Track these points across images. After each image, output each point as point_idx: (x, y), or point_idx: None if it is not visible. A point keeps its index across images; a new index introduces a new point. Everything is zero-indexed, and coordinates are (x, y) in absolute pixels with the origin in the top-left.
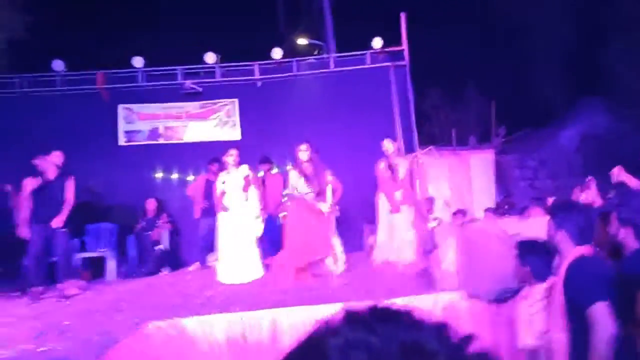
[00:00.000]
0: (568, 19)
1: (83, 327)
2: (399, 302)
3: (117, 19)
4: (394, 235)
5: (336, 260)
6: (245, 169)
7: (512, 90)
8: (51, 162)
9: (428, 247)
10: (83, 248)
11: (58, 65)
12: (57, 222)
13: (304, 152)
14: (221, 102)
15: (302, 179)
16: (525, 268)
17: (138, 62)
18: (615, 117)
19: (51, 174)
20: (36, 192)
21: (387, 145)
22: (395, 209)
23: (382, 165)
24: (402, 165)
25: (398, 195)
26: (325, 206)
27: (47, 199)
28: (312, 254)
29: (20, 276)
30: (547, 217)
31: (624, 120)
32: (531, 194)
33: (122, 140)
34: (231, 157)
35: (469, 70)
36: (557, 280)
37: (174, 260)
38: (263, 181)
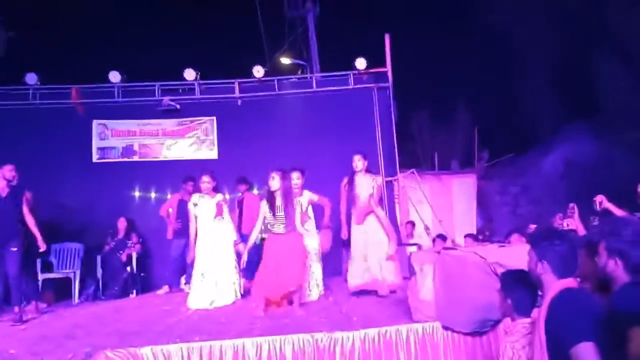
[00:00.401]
0: (555, 40)
1: (29, 357)
2: (371, 333)
3: (95, 34)
4: (369, 255)
5: (311, 287)
6: (219, 197)
7: (497, 114)
8: (1, 177)
9: (406, 274)
10: (48, 268)
11: (31, 78)
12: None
13: (274, 181)
14: (199, 119)
15: (271, 209)
16: (507, 301)
17: (115, 77)
18: (602, 142)
19: (2, 190)
20: None
21: (357, 161)
22: (358, 220)
23: (345, 180)
24: (367, 183)
25: (359, 210)
26: (311, 241)
27: None
28: (283, 287)
29: None
30: (528, 246)
31: (611, 146)
32: (513, 221)
33: (95, 157)
34: (204, 184)
35: (455, 93)
36: (539, 315)
37: (143, 282)
38: (240, 201)
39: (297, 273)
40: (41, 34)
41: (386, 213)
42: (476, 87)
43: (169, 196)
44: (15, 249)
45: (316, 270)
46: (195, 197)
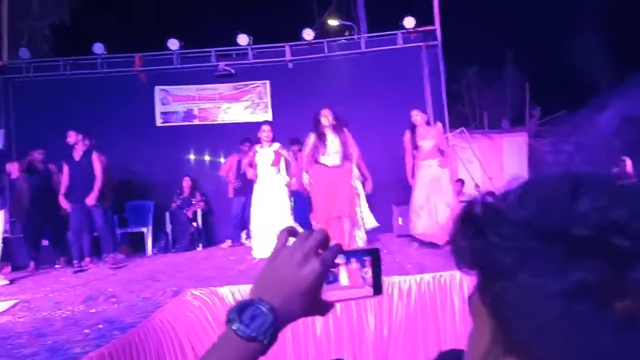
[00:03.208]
0: None
1: (126, 294)
2: (426, 277)
3: (154, 2)
4: (431, 199)
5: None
6: (276, 145)
7: (548, 70)
8: (79, 142)
9: None
10: (124, 224)
11: (98, 48)
12: (91, 199)
13: (325, 118)
14: (253, 83)
15: (321, 142)
16: None
17: (173, 44)
18: None
19: (77, 153)
20: (71, 172)
21: (415, 115)
22: (422, 171)
23: (407, 134)
24: (430, 135)
25: (432, 162)
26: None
27: (78, 177)
28: (335, 209)
29: (65, 248)
30: None
31: None
32: None
33: (158, 121)
34: (264, 132)
35: (505, 50)
36: None
37: (207, 237)
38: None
39: (344, 203)
40: (103, 5)
41: None
42: (526, 41)
43: (221, 159)
44: (97, 206)
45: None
46: (257, 147)
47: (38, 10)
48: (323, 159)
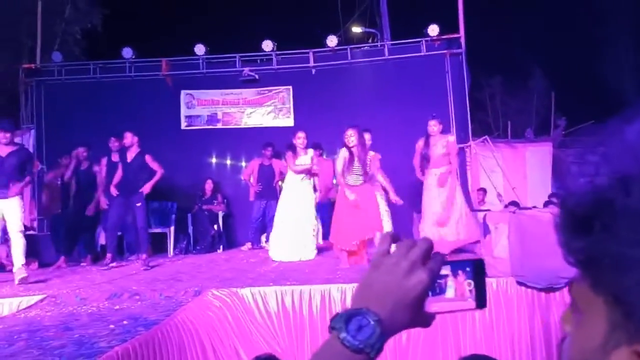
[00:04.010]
0: None
1: (150, 292)
2: None
3: (181, 9)
4: (439, 207)
5: None
6: (311, 152)
7: (575, 79)
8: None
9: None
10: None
11: (127, 52)
12: (147, 188)
13: (350, 138)
14: (276, 89)
15: (353, 161)
16: None
17: (200, 49)
18: None
19: (130, 154)
20: (123, 171)
21: (432, 125)
22: (440, 183)
23: (420, 142)
24: (441, 144)
25: (438, 170)
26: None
27: (129, 177)
28: (361, 234)
29: (92, 247)
30: None
31: None
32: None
33: (183, 125)
34: (299, 139)
35: (530, 58)
36: None
37: (227, 239)
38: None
39: (374, 221)
40: (133, 10)
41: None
42: (553, 50)
43: (242, 163)
44: (139, 204)
45: (386, 224)
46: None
47: (71, 14)
48: (349, 180)
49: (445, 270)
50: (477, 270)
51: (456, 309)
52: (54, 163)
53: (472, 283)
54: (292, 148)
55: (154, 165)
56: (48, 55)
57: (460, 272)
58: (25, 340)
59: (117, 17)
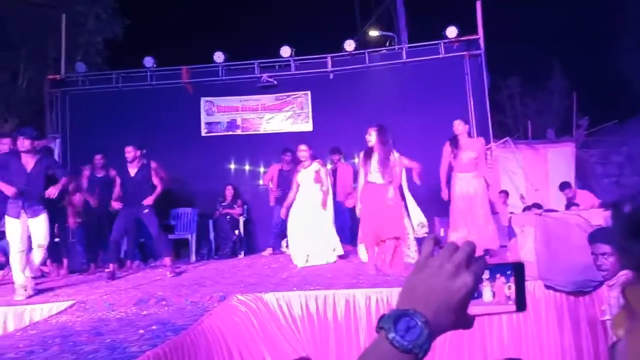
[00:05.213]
0: None
1: (175, 298)
2: None
3: (200, 18)
4: (467, 212)
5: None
6: (315, 165)
7: (599, 78)
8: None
9: (503, 241)
10: (169, 230)
11: (148, 61)
12: (149, 200)
13: (371, 136)
14: (294, 94)
15: (368, 160)
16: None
17: (219, 57)
18: None
19: (132, 168)
20: (126, 185)
21: (458, 125)
22: (461, 185)
23: (448, 145)
24: (471, 148)
25: (466, 175)
26: (391, 191)
27: (135, 190)
28: (384, 234)
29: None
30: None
31: None
32: (617, 191)
33: (203, 131)
34: (301, 152)
35: (550, 57)
36: None
37: (248, 245)
38: (334, 171)
39: (394, 223)
40: (153, 20)
41: None
42: (573, 49)
43: (262, 168)
44: (146, 210)
45: (410, 231)
46: (300, 171)
47: (93, 25)
48: (369, 177)
49: (485, 274)
50: (518, 273)
51: (496, 312)
52: (77, 171)
53: (513, 286)
54: (297, 161)
55: (156, 179)
56: (72, 66)
57: (498, 275)
58: (59, 345)
59: (138, 27)
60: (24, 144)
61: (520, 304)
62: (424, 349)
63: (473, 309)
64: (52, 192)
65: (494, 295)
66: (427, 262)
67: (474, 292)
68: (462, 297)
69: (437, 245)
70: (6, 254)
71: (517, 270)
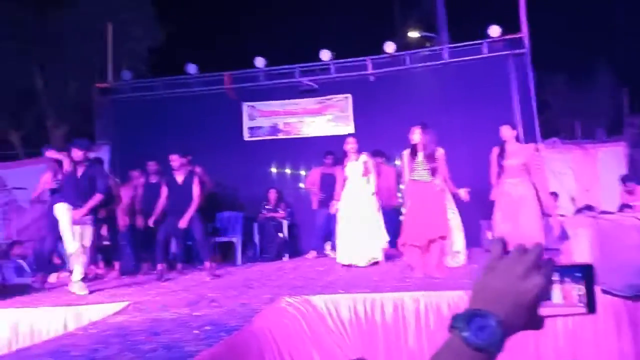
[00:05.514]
0: None
1: (225, 299)
2: None
3: (240, 24)
4: (514, 219)
5: (456, 254)
6: (363, 157)
7: None
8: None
9: (550, 245)
10: (214, 233)
11: (191, 68)
12: (183, 222)
13: (414, 135)
14: (335, 97)
15: (415, 157)
16: None
17: (260, 62)
18: None
19: (179, 176)
20: (172, 187)
21: (505, 131)
22: (509, 189)
23: (495, 151)
24: (520, 154)
25: (513, 181)
26: (437, 181)
27: (181, 198)
28: (428, 233)
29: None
30: None
31: None
32: None
33: (246, 136)
34: (349, 145)
35: (597, 52)
36: None
37: (292, 248)
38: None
39: (439, 222)
40: (195, 27)
41: None
42: (622, 42)
43: (303, 172)
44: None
45: (459, 237)
46: (348, 164)
47: (138, 33)
48: (414, 175)
49: (554, 275)
50: (587, 275)
51: (566, 313)
52: (127, 177)
53: (583, 288)
54: (344, 154)
55: (195, 190)
56: (117, 74)
57: (567, 277)
58: (119, 344)
59: (180, 35)
60: (77, 154)
61: (591, 306)
62: (498, 348)
63: (543, 310)
64: (77, 214)
65: (563, 297)
66: (497, 264)
67: (545, 293)
68: (533, 297)
69: (505, 247)
70: (61, 256)
71: (586, 272)
